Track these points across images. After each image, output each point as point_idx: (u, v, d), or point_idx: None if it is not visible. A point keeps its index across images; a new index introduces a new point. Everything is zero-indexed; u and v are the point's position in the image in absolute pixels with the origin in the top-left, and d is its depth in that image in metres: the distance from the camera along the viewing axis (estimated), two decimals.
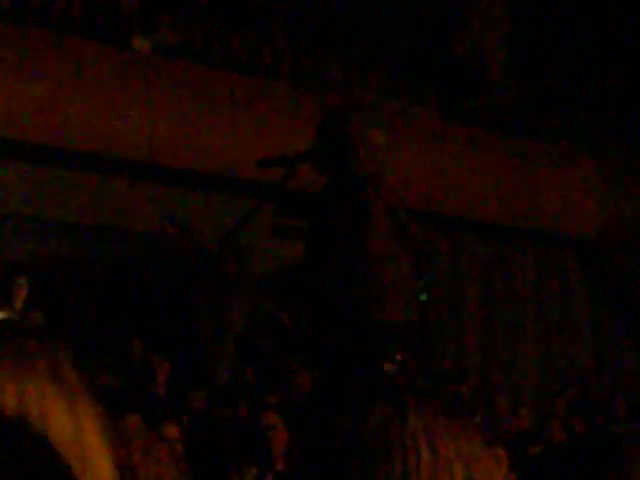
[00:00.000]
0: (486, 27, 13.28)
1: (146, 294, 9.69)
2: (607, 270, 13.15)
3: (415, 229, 4.88)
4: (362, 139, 4.88)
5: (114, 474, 1.04)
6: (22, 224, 9.67)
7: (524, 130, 12.73)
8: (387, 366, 4.56)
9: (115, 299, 9.58)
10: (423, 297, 4.92)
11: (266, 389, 7.09)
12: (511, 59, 13.42)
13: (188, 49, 10.56)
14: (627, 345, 12.99)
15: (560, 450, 6.34)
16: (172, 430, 3.99)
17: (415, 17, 12.50)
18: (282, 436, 4.09)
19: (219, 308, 9.65)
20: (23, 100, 9.21)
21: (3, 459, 0.89)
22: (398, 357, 4.63)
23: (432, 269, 5.16)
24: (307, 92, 10.23)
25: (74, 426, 1.03)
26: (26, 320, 6.81)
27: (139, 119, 9.75)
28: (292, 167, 5.02)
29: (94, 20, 10.08)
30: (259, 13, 11.39)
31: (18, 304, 8.80)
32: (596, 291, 13.28)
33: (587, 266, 13.30)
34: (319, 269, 4.74)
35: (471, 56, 13.00)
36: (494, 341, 12.47)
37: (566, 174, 12.93)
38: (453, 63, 12.78)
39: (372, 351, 4.62)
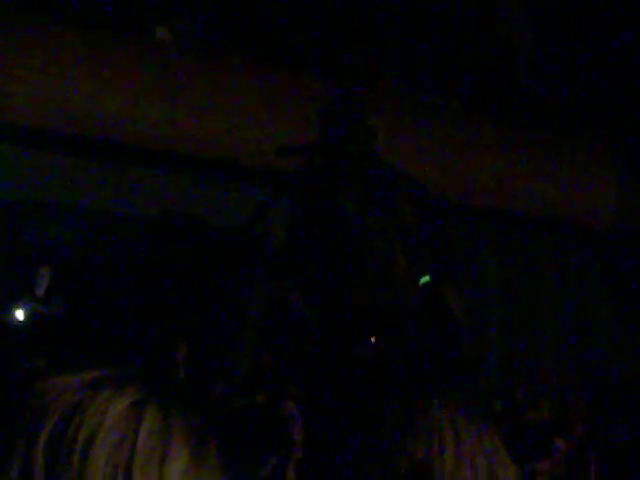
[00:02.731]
0: (514, 23, 13.26)
1: (166, 282, 9.70)
2: (625, 262, 13.12)
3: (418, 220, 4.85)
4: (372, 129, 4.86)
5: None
6: (44, 212, 9.69)
7: (547, 124, 12.71)
8: (361, 349, 4.53)
9: (136, 286, 9.60)
10: (425, 279, 4.86)
11: (285, 378, 7.10)
12: (539, 54, 13.39)
13: (209, 39, 10.57)
14: None
15: (580, 443, 6.33)
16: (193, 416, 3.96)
17: (444, 13, 12.46)
18: (298, 425, 4.10)
19: (238, 296, 9.66)
20: (49, 90, 9.23)
21: None
22: (372, 339, 4.57)
23: (444, 257, 5.09)
24: (325, 82, 10.20)
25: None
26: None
27: (160, 108, 9.77)
28: (309, 156, 5.01)
29: (116, 10, 10.08)
30: (277, 5, 11.38)
31: (40, 292, 8.84)
32: (614, 283, 13.24)
33: (605, 258, 13.27)
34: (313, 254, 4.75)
35: (499, 51, 12.98)
36: (513, 333, 12.46)
37: (585, 165, 12.89)
38: (481, 59, 12.75)
39: (346, 333, 4.60)
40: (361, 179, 4.81)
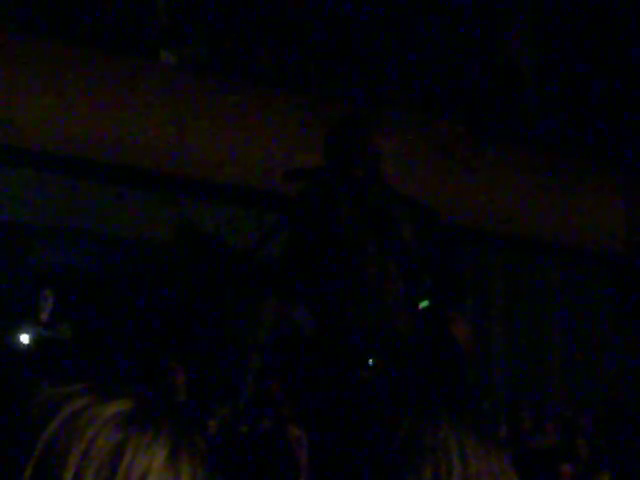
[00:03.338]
0: (517, 42, 13.29)
1: (171, 304, 9.70)
2: (634, 284, 13.09)
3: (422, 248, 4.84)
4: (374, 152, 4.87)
5: None
6: (47, 237, 9.70)
7: (552, 146, 12.72)
8: (362, 372, 4.53)
9: (140, 308, 9.60)
10: (424, 304, 4.86)
11: (289, 402, 7.09)
12: (542, 76, 13.42)
13: (212, 62, 10.62)
14: None
15: (585, 466, 6.30)
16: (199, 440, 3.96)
17: (446, 33, 12.50)
18: (304, 449, 4.10)
19: (245, 319, 9.65)
20: (54, 114, 9.26)
21: None
22: (370, 362, 4.57)
23: (451, 283, 5.08)
24: (327, 105, 10.21)
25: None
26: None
27: (166, 129, 9.79)
28: (313, 179, 5.02)
29: (124, 35, 10.13)
30: (279, 29, 11.41)
31: (44, 316, 8.83)
32: (623, 305, 13.22)
33: (614, 280, 13.25)
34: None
35: (502, 71, 13.00)
36: (519, 355, 12.43)
37: (593, 188, 12.89)
38: (483, 79, 12.78)
39: (343, 355, 4.60)
40: (362, 203, 4.80)
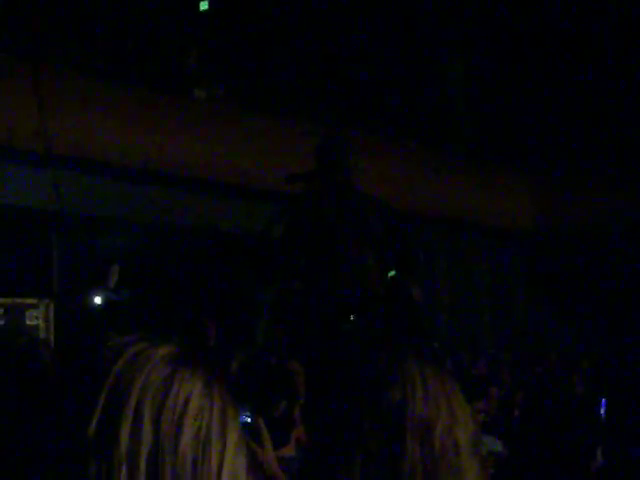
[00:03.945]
0: (453, 86, 13.37)
1: (204, 277, 9.71)
2: (541, 256, 13.15)
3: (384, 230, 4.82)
4: (352, 165, 4.85)
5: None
6: (115, 225, 9.71)
7: (480, 154, 12.81)
8: (345, 324, 4.53)
9: (180, 279, 9.61)
10: (392, 273, 4.85)
11: (292, 345, 7.09)
12: (472, 107, 13.54)
13: (234, 97, 10.61)
14: (557, 317, 12.97)
15: (507, 388, 6.29)
16: (224, 375, 3.98)
17: (398, 74, 12.50)
18: (302, 379, 4.13)
19: (258, 287, 9.65)
20: (119, 136, 9.26)
21: None
22: (351, 317, 4.57)
23: (410, 257, 5.06)
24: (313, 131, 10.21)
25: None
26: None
27: (199, 150, 9.83)
28: (309, 181, 5.00)
29: (162, 75, 10.12)
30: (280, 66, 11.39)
31: (112, 284, 8.85)
32: (532, 270, 13.28)
33: (525, 251, 13.32)
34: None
35: (443, 106, 13.08)
36: (457, 309, 12.47)
37: (508, 183, 12.97)
38: (430, 112, 12.84)
39: (331, 312, 4.60)
40: (342, 200, 4.79)
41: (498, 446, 4.11)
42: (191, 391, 1.05)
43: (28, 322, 8.30)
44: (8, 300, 8.19)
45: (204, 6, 10.61)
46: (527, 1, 12.71)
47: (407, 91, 12.51)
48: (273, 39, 11.30)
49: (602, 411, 2.63)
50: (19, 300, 8.38)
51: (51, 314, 8.44)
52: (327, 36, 11.80)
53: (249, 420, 2.80)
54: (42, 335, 7.97)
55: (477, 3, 12.86)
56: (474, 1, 12.87)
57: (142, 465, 0.99)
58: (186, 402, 1.04)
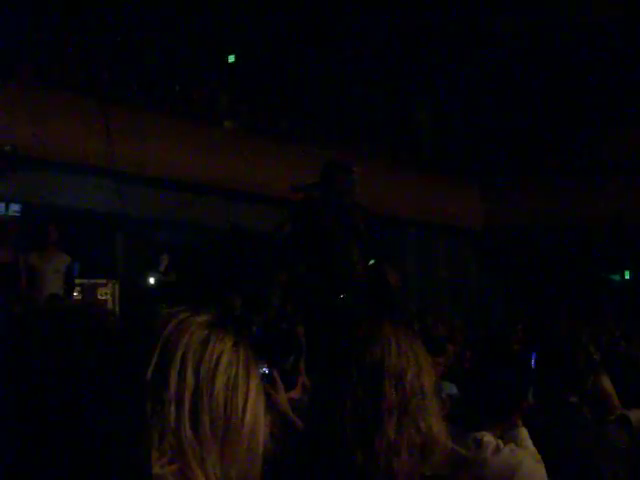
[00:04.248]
0: (421, 105, 13.28)
1: (230, 264, 9.70)
2: (492, 250, 13.11)
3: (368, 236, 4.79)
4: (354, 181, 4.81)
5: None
6: (164, 224, 9.72)
7: (442, 168, 12.73)
8: (337, 301, 4.51)
9: (215, 266, 9.59)
10: (372, 262, 4.85)
11: (298, 314, 7.06)
12: (435, 128, 13.45)
13: (256, 126, 10.58)
14: (500, 294, 12.95)
15: (460, 346, 6.27)
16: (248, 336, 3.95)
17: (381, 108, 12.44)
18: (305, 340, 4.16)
19: (271, 273, 9.61)
20: (167, 157, 9.20)
21: None
22: (342, 296, 4.57)
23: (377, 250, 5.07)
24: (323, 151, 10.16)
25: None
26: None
27: (229, 166, 9.80)
28: (311, 191, 4.96)
29: (201, 110, 10.08)
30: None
31: (162, 269, 8.84)
32: (484, 265, 13.24)
33: (476, 246, 13.26)
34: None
35: (411, 129, 13.04)
36: (423, 289, 12.42)
37: (462, 191, 12.91)
38: (403, 135, 12.78)
39: (327, 292, 4.60)
40: (339, 209, 4.77)
41: (454, 389, 4.11)
42: (222, 348, 1.05)
43: (99, 297, 8.35)
44: (84, 280, 8.24)
45: (231, 59, 10.66)
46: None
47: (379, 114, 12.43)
48: (284, 90, 11.25)
49: (532, 362, 2.62)
50: (92, 281, 8.43)
51: (116, 291, 8.49)
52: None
53: (266, 371, 2.79)
54: (110, 307, 8.02)
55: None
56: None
57: (186, 403, 1.00)
58: (219, 357, 1.04)
